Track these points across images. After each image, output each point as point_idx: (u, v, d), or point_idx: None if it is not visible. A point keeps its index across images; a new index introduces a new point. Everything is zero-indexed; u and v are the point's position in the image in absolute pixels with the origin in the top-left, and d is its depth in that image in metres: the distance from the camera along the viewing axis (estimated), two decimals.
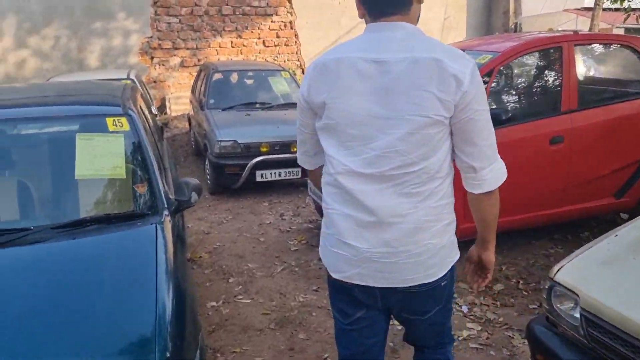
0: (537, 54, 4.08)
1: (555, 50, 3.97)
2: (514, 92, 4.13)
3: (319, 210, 4.46)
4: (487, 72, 3.70)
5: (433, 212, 1.51)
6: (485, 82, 3.72)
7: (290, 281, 3.82)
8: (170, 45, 10.49)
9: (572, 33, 4.04)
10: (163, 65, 10.53)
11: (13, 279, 1.90)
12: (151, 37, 10.33)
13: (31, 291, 1.82)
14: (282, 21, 11.22)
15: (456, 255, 1.63)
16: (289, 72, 7.27)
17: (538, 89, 4.18)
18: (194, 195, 2.67)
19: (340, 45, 1.58)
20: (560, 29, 11.77)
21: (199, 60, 10.60)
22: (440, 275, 1.58)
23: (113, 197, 2.50)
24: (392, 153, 1.46)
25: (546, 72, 4.19)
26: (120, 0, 10.05)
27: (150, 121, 3.81)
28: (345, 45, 1.55)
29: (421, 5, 1.55)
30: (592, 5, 14.75)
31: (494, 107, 3.86)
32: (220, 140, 5.75)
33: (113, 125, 2.70)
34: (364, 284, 1.57)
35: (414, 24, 1.52)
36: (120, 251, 2.14)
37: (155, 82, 10.51)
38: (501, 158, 1.55)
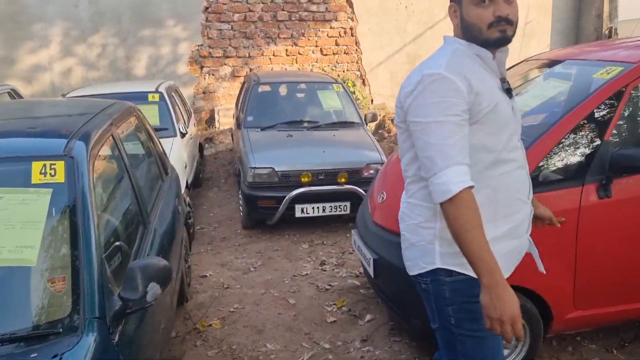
0: None
1: None
2: None
3: (366, 272, 3.39)
4: (618, 92, 2.50)
5: (406, 207, 1.73)
6: (612, 105, 2.52)
7: None
8: (221, 53, 9.77)
9: None
10: (213, 75, 9.82)
11: None
12: (201, 45, 9.65)
13: None
14: (341, 27, 10.23)
15: (429, 265, 1.63)
16: (341, 85, 6.22)
17: None
18: (154, 290, 1.69)
19: None
20: None
21: (250, 69, 9.82)
22: (413, 272, 1.71)
23: (9, 300, 1.55)
24: None
25: None
26: (170, 6, 9.44)
27: (139, 156, 2.89)
28: None
29: (457, 17, 1.57)
30: None
31: (628, 144, 2.63)
32: (254, 167, 4.79)
33: (41, 173, 1.77)
34: None
35: (457, 35, 1.61)
36: None
37: (204, 92, 9.82)
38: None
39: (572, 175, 2.49)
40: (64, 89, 9.22)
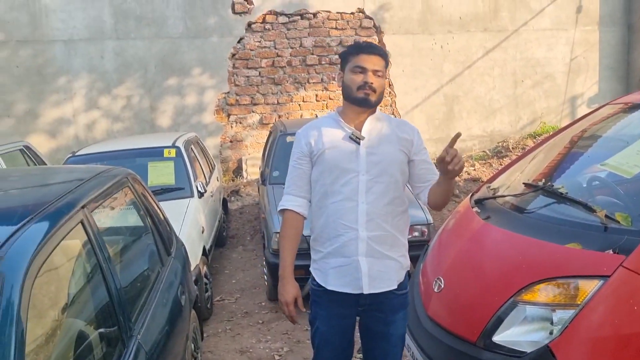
0: None
1: None
2: None
3: None
4: None
5: None
6: None
7: None
8: (248, 100, 9.37)
9: None
10: (240, 123, 9.40)
11: None
12: (228, 92, 9.28)
13: None
14: None
15: None
16: None
17: None
18: None
19: None
20: None
21: (279, 116, 9.37)
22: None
23: None
24: None
25: None
26: (197, 54, 9.15)
27: (127, 244, 2.30)
28: None
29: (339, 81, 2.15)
30: None
31: None
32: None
33: None
34: None
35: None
36: None
37: (232, 141, 9.39)
38: None
39: None
40: (88, 142, 8.92)
